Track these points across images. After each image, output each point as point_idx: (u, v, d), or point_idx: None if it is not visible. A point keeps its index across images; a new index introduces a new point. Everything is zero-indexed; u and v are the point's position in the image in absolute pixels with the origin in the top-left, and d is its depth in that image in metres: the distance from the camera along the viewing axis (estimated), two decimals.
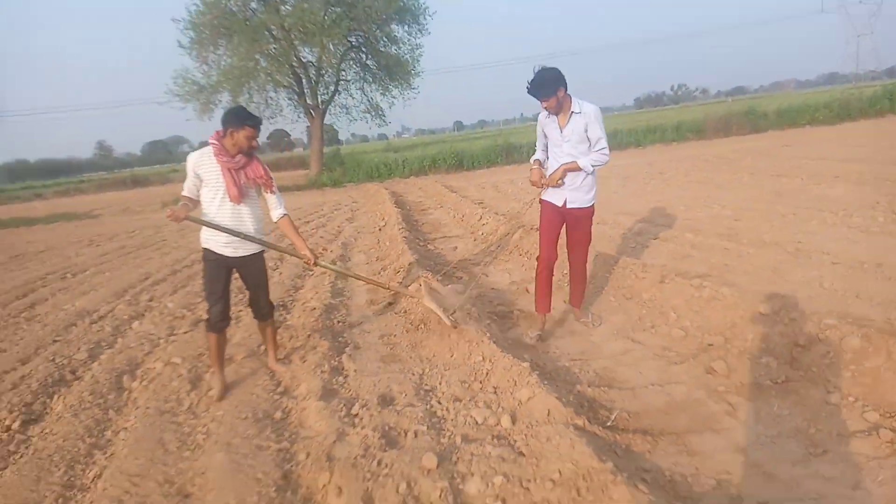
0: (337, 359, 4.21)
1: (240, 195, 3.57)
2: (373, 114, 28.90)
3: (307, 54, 25.82)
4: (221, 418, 3.38)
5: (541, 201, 4.22)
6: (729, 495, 2.35)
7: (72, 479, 2.96)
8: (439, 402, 3.32)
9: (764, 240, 6.03)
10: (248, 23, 24.07)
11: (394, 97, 28.13)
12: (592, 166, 3.96)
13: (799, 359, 3.31)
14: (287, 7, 24.28)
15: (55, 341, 5.48)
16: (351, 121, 28.88)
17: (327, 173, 25.43)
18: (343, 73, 27.28)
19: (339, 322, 5.16)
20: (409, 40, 26.96)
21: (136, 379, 4.26)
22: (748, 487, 2.40)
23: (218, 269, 3.69)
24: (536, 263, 4.29)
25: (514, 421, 2.91)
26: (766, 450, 2.65)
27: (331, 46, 24.54)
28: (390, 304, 5.53)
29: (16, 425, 3.66)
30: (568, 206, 4.09)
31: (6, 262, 11.52)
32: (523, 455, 2.59)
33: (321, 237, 10.27)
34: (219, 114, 26.36)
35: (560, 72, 3.82)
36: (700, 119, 27.13)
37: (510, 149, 24.76)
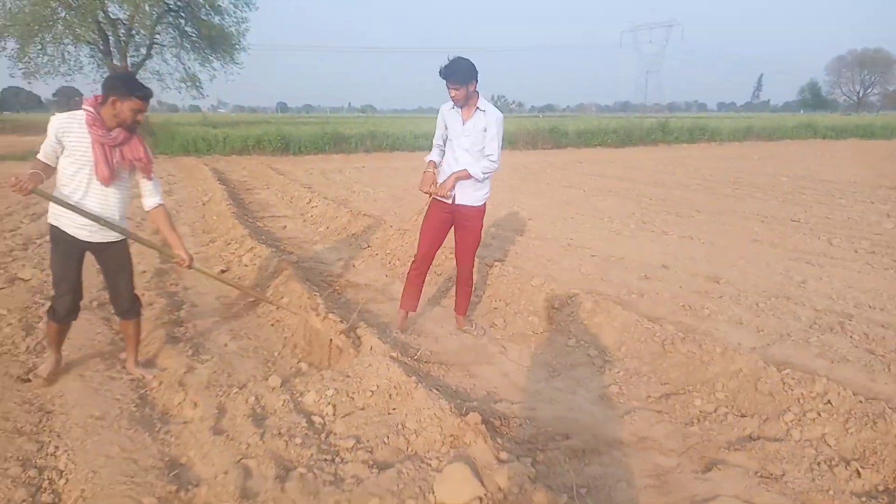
0: (176, 313, 4.58)
1: (110, 176, 3.03)
2: (188, 84, 27.32)
3: (117, 10, 23.66)
4: (68, 357, 3.62)
5: (432, 199, 4.14)
6: (492, 398, 3.35)
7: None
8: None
9: (546, 236, 7.46)
10: None
11: (215, 69, 26.92)
12: (483, 174, 3.93)
13: (553, 317, 4.51)
14: None
15: None
16: (164, 88, 27.04)
17: None
18: (158, 36, 25.43)
19: (171, 285, 5.42)
20: (234, 12, 26.01)
21: None
22: (506, 395, 3.42)
23: (69, 252, 3.16)
24: (411, 262, 4.27)
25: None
26: (521, 374, 3.72)
27: (145, 6, 22.82)
28: (223, 271, 5.89)
29: None
30: (457, 201, 4.02)
31: None
32: (349, 377, 3.35)
33: (137, 206, 9.90)
34: (4, 63, 23.22)
35: (475, 66, 3.78)
36: (513, 131, 30.06)
37: (339, 138, 25.13)
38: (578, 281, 5.37)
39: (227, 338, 4.17)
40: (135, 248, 3.64)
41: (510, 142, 28.24)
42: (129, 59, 24.84)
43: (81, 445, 2.71)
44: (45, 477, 2.53)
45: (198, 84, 27.46)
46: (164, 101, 79.39)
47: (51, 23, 22.21)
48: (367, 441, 2.80)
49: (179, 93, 27.99)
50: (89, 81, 26.55)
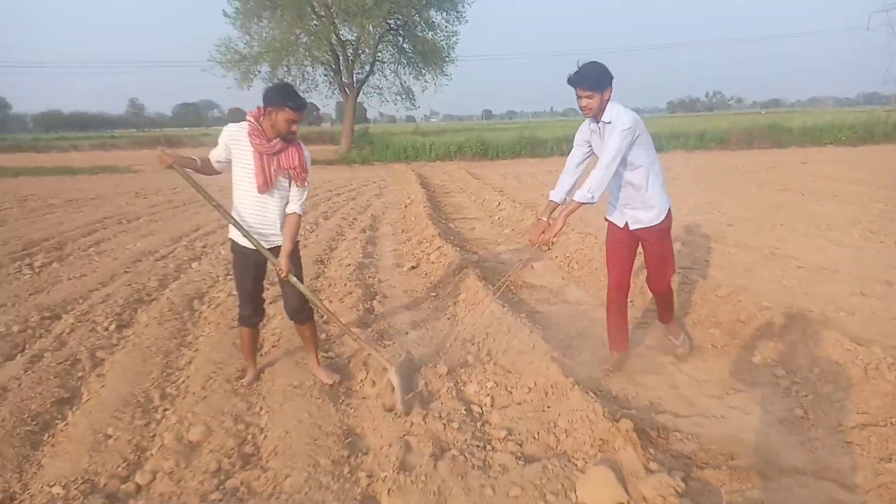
0: (370, 302, 5.15)
1: (266, 184, 3.13)
2: (404, 96, 29.78)
3: (346, 33, 26.69)
4: (280, 332, 4.31)
5: (606, 220, 3.68)
6: (655, 409, 3.23)
7: (169, 362, 3.91)
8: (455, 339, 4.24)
9: (747, 243, 6.81)
10: None
11: (426, 81, 28.93)
12: (589, 196, 3.23)
13: (738, 331, 4.15)
14: None
15: (126, 272, 6.46)
16: (383, 102, 29.79)
17: (357, 151, 26.36)
18: (380, 54, 28.10)
19: (369, 277, 6.08)
20: (446, 27, 27.74)
21: (204, 304, 5.21)
22: (671, 407, 3.27)
23: (245, 263, 3.32)
24: (607, 300, 3.71)
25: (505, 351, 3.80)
26: (692, 388, 3.51)
27: (370, 28, 25.34)
28: (413, 267, 6.43)
29: (112, 327, 4.62)
30: (631, 227, 3.53)
31: (62, 205, 12.61)
32: (510, 372, 3.49)
33: (351, 209, 11.20)
34: (258, 85, 27.50)
35: (608, 70, 3.27)
36: (725, 129, 27.56)
37: (535, 142, 25.51)
38: (777, 293, 4.85)
39: (409, 327, 4.59)
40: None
41: (720, 140, 26.00)
42: (354, 75, 27.91)
43: (280, 408, 3.23)
44: (250, 432, 3.07)
45: (411, 96, 29.82)
46: (384, 113, 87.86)
47: (294, 47, 25.86)
48: (519, 434, 2.91)
49: (395, 105, 30.58)
50: (322, 97, 30.44)
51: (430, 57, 27.92)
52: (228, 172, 3.27)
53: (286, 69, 26.70)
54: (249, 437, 3.01)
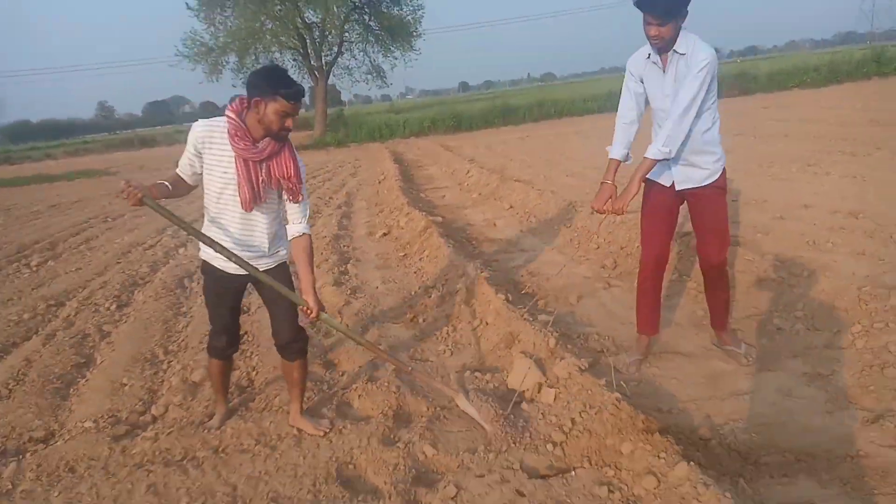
0: (344, 265, 5.69)
1: (254, 199, 2.49)
2: (374, 75, 29.90)
3: (311, 16, 26.70)
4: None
5: (645, 181, 2.94)
6: (585, 323, 3.83)
7: (168, 327, 4.45)
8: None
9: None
10: None
11: (395, 58, 29.08)
12: (668, 148, 2.75)
13: None
14: None
15: (118, 262, 6.95)
16: (353, 82, 29.90)
17: (331, 134, 26.60)
18: (346, 34, 28.13)
19: (344, 247, 6.61)
20: (410, 2, 27.83)
21: (194, 281, 5.72)
22: (598, 320, 3.87)
23: (222, 290, 2.71)
24: (639, 271, 3.20)
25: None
26: (617, 304, 4.11)
27: (334, 8, 25.38)
28: (385, 234, 6.96)
29: (113, 307, 5.13)
30: (678, 187, 2.96)
31: (46, 210, 12.95)
32: (464, 305, 4.06)
33: (327, 189, 11.67)
34: (228, 76, 27.65)
35: None
36: None
37: (508, 111, 25.92)
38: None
39: (379, 282, 5.14)
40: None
41: None
42: (323, 58, 28.00)
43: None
44: (244, 372, 3.62)
45: (382, 74, 29.93)
46: (358, 94, 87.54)
47: (260, 35, 25.90)
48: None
49: (367, 84, 30.69)
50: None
51: (398, 33, 28.02)
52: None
53: (254, 57, 26.75)
54: (244, 375, 3.56)
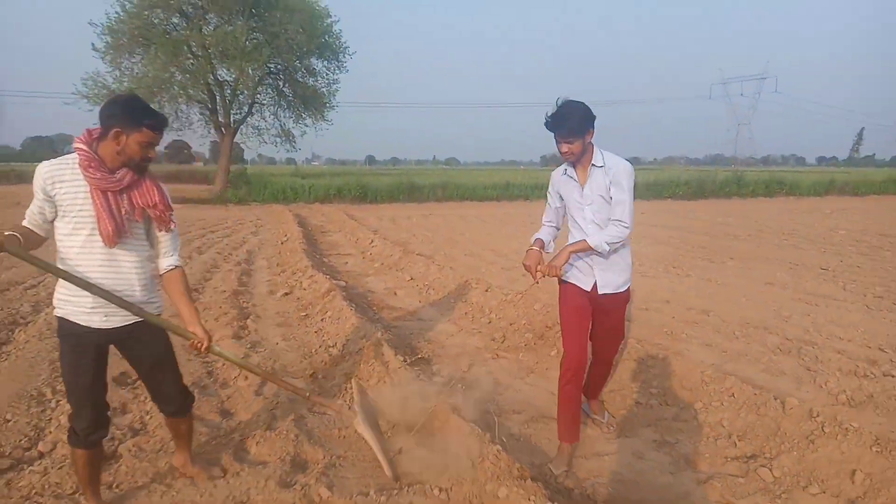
0: (245, 321, 5.74)
1: (116, 232, 2.30)
2: (283, 139, 30.08)
3: (224, 74, 26.74)
4: None
5: (561, 283, 3.21)
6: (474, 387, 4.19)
7: (56, 369, 4.25)
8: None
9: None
10: (168, 36, 24.82)
11: (306, 126, 29.52)
12: (608, 244, 2.96)
13: (545, 333, 5.28)
14: (209, 28, 25.35)
15: None
16: (261, 143, 29.93)
17: (232, 190, 26.17)
18: (259, 96, 28.38)
19: (244, 303, 6.64)
20: (327, 74, 28.70)
21: None
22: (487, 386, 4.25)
23: (83, 352, 2.39)
24: (560, 369, 3.16)
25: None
26: (503, 372, 4.52)
27: (249, 70, 25.63)
28: (286, 293, 7.07)
29: None
30: (599, 291, 3.13)
31: None
32: (367, 362, 4.30)
33: (227, 244, 11.54)
34: None
35: (590, 110, 2.95)
36: None
37: (413, 188, 26.90)
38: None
39: (279, 338, 5.26)
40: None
41: (524, 195, 27.99)
42: (232, 116, 27.90)
43: None
44: (140, 414, 3.60)
45: (291, 139, 30.16)
46: (262, 154, 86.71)
47: (168, 85, 25.50)
48: None
49: (275, 147, 30.79)
50: (197, 136, 29.97)
51: (311, 102, 28.64)
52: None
53: (159, 105, 26.14)
54: (137, 419, 3.54)
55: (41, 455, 3.04)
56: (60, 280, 2.34)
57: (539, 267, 3.06)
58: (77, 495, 2.64)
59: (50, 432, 3.28)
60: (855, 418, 3.35)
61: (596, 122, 2.96)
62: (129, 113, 2.26)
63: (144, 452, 3.09)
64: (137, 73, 25.51)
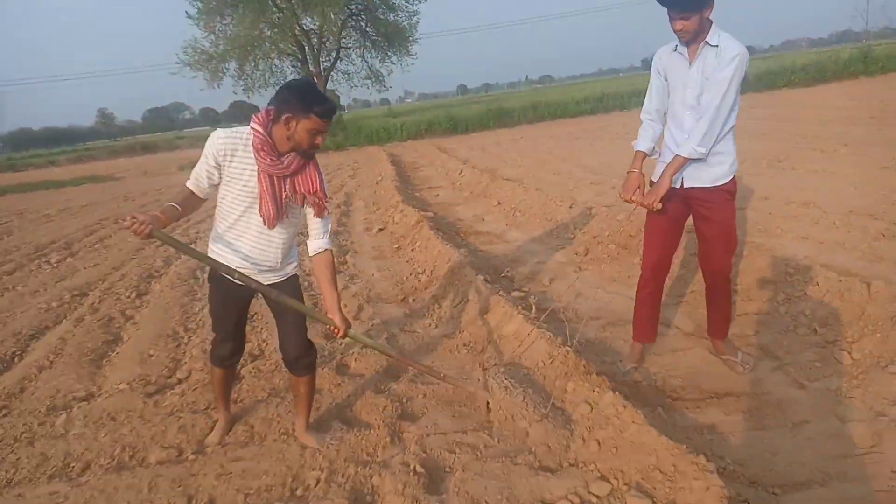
0: (343, 258, 6.22)
1: (277, 216, 2.43)
2: (372, 80, 30.53)
3: (309, 23, 27.29)
4: None
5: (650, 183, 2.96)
6: (552, 299, 4.35)
7: (185, 310, 4.97)
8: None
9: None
10: None
11: (393, 63, 29.69)
12: (702, 147, 2.70)
13: (627, 243, 5.27)
14: None
15: (132, 258, 7.47)
16: (352, 87, 30.55)
17: (330, 138, 27.12)
18: (344, 40, 28.76)
19: (343, 240, 7.13)
20: (406, 7, 28.46)
21: (205, 272, 6.23)
22: (566, 296, 4.39)
23: (229, 298, 2.64)
24: (639, 279, 3.13)
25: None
26: (584, 282, 4.63)
27: (331, 15, 25.94)
28: (381, 229, 7.49)
29: (133, 295, 5.65)
30: (685, 185, 2.86)
31: (57, 213, 13.49)
32: (450, 284, 4.58)
33: (327, 189, 12.18)
34: (228, 82, 28.33)
35: None
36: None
37: (503, 113, 26.44)
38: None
39: (374, 269, 5.68)
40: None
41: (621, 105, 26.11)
42: (322, 64, 28.61)
43: None
44: (255, 342, 4.14)
45: (381, 78, 30.55)
46: (357, 99, 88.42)
47: (259, 42, 26.50)
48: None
49: (367, 89, 31.33)
50: None
51: (395, 38, 28.65)
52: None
53: (254, 64, 27.35)
54: (255, 346, 4.07)
55: (179, 381, 3.64)
56: (214, 234, 2.52)
57: (636, 196, 2.84)
58: (209, 410, 3.16)
59: (185, 363, 3.89)
60: None
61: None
62: (300, 99, 2.30)
63: (262, 373, 3.58)
64: (230, 34, 26.69)
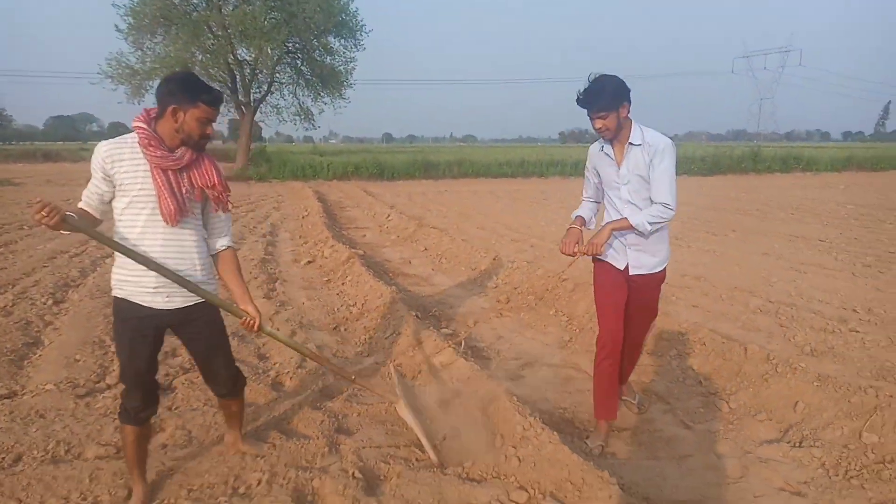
0: (273, 284, 6.33)
1: (178, 211, 2.31)
2: (302, 117, 30.61)
3: (244, 53, 27.20)
4: None
5: (595, 262, 3.18)
6: (476, 339, 4.72)
7: (109, 322, 4.84)
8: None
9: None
10: (189, 17, 25.32)
11: (325, 103, 29.98)
12: (651, 224, 2.88)
13: (543, 295, 5.78)
14: (229, 8, 25.79)
15: (45, 266, 7.15)
16: (281, 121, 30.48)
17: (253, 168, 26.85)
18: (277, 75, 28.80)
19: (271, 269, 7.22)
20: (344, 53, 29.02)
21: None
22: (489, 340, 4.77)
23: (141, 334, 2.38)
24: (596, 347, 3.15)
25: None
26: (505, 328, 5.05)
27: (268, 50, 26.06)
28: (309, 262, 7.64)
29: (49, 302, 5.45)
30: (631, 272, 3.07)
31: None
32: (384, 316, 4.85)
33: (251, 219, 12.15)
34: (150, 99, 27.42)
35: (624, 83, 2.85)
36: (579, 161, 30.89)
37: (429, 165, 27.34)
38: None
39: (304, 298, 5.84)
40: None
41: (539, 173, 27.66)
42: (252, 94, 28.46)
43: None
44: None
45: (310, 117, 30.70)
46: (280, 133, 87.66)
47: (189, 65, 26.05)
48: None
49: (294, 125, 31.34)
50: (218, 115, 30.54)
51: (329, 80, 29.05)
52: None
53: None
54: (186, 358, 4.12)
55: (108, 386, 3.65)
56: (118, 261, 2.33)
57: (578, 248, 2.99)
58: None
59: (113, 370, 3.88)
60: (810, 364, 3.82)
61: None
62: (185, 89, 2.24)
63: (195, 384, 3.66)
64: (159, 54, 26.12)
